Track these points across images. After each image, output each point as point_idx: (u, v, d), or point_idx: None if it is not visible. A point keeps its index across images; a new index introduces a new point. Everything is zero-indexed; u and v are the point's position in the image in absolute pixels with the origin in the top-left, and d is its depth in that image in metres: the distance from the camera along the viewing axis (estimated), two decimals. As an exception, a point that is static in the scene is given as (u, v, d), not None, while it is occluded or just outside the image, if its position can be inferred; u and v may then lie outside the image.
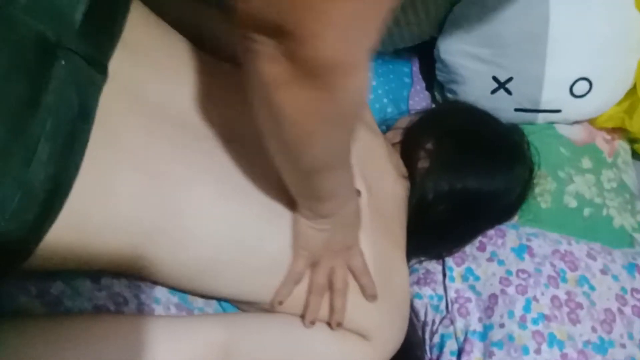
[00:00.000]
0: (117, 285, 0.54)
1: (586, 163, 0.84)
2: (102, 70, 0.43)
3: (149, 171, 0.45)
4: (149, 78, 0.49)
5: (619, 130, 0.88)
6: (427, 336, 0.73)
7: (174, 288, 0.55)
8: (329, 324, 0.58)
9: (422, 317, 0.74)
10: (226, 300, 0.59)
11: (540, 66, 0.80)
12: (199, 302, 0.59)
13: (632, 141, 0.90)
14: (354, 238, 0.58)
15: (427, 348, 0.73)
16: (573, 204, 0.81)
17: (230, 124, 0.53)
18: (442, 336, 0.71)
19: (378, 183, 0.66)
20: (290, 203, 0.54)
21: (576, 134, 0.86)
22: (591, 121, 0.88)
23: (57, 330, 0.47)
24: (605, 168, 0.84)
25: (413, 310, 0.74)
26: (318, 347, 0.58)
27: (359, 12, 0.33)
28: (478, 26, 0.83)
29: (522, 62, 0.81)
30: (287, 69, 0.35)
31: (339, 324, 0.57)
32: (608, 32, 0.81)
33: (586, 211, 0.81)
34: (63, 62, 0.40)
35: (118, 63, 0.45)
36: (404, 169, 0.72)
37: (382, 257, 0.62)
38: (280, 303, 0.55)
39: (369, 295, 0.59)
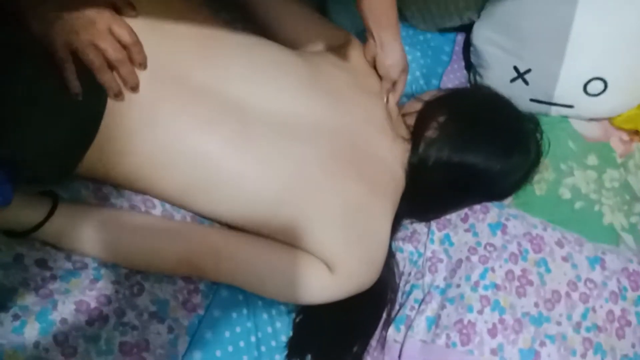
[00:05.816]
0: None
1: (592, 159, 0.87)
2: None
3: (158, 122, 0.64)
4: (174, 53, 0.66)
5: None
6: (401, 284, 0.86)
7: (173, 203, 0.72)
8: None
9: (401, 268, 0.87)
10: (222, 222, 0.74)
11: (558, 62, 0.84)
12: (206, 221, 0.74)
13: (655, 145, 0.90)
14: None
15: (400, 293, 0.86)
16: (567, 195, 0.86)
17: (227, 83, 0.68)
18: (412, 286, 0.83)
19: (368, 139, 0.76)
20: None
21: (590, 130, 0.89)
22: (610, 120, 0.90)
23: (107, 216, 0.68)
24: (612, 167, 0.87)
25: (395, 261, 0.86)
26: (286, 263, 0.70)
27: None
28: (507, 17, 0.88)
29: (541, 56, 0.86)
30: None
31: (135, 87, 0.63)
32: (630, 35, 0.82)
33: (578, 204, 0.85)
34: None
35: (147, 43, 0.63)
36: (405, 132, 0.81)
37: (356, 200, 0.72)
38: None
39: (139, 64, 0.63)
